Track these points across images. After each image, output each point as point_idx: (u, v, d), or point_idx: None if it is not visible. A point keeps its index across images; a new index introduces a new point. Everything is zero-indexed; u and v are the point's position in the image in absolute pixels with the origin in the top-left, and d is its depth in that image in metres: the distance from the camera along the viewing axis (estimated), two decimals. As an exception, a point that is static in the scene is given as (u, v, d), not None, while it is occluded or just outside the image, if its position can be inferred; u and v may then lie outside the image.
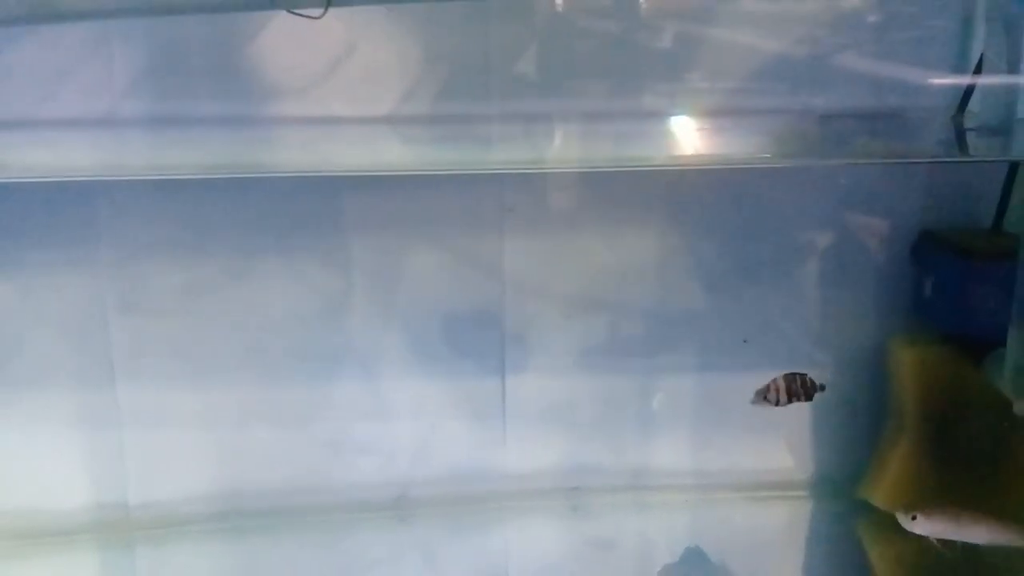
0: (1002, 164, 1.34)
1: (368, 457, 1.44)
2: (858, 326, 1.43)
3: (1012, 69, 1.22)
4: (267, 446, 1.41)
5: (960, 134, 1.30)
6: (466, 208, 1.37)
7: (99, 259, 1.32)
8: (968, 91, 1.29)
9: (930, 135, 1.35)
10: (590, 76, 1.30)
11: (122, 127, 1.25)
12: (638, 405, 1.47)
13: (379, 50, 1.24)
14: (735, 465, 1.49)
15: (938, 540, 1.18)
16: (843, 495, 1.45)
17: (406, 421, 1.44)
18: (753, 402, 1.22)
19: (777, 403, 1.22)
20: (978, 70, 1.27)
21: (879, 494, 1.36)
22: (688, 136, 1.32)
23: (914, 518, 1.18)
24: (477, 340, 1.41)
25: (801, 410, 1.33)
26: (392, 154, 1.29)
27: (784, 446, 1.49)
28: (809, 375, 1.24)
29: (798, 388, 1.22)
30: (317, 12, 1.08)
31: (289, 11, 1.09)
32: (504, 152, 1.30)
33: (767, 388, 1.22)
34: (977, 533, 1.19)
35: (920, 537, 1.19)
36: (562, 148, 1.32)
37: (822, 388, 1.24)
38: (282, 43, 1.21)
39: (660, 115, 1.33)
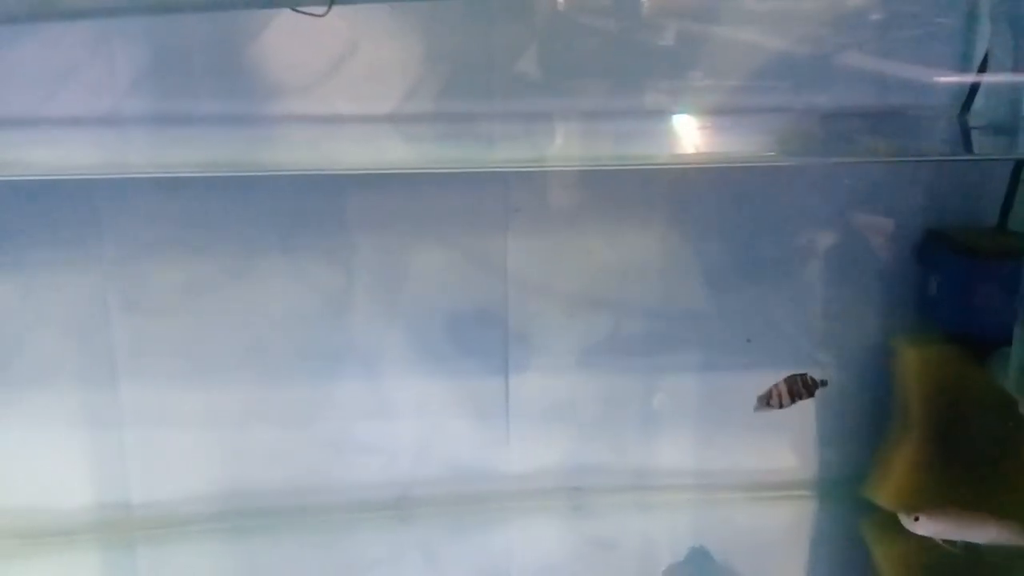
0: (1007, 162, 1.34)
1: (370, 456, 1.44)
2: (862, 325, 1.43)
3: (1017, 67, 1.22)
4: (269, 445, 1.41)
5: (965, 132, 1.30)
6: (470, 207, 1.36)
7: (101, 258, 1.31)
8: (973, 89, 1.29)
9: (934, 133, 1.35)
10: (592, 74, 1.30)
11: (124, 125, 1.25)
12: (641, 404, 1.47)
13: (382, 48, 1.24)
14: (738, 465, 1.49)
15: (942, 539, 1.18)
16: (847, 495, 1.44)
17: (408, 420, 1.44)
18: (756, 409, 1.22)
19: (780, 406, 1.21)
20: (983, 68, 1.26)
21: (883, 494, 1.35)
22: (690, 135, 1.31)
23: (916, 519, 1.18)
24: (481, 339, 1.41)
25: (805, 410, 1.32)
26: (394, 152, 1.29)
27: (788, 446, 1.49)
28: (810, 373, 1.23)
29: (800, 388, 1.21)
30: (320, 10, 1.08)
31: (293, 9, 1.09)
32: (506, 150, 1.30)
33: (769, 394, 1.21)
34: (980, 533, 1.18)
35: (924, 536, 1.18)
36: (564, 147, 1.32)
37: (824, 384, 1.23)
38: (285, 41, 1.20)
39: (662, 114, 1.33)
